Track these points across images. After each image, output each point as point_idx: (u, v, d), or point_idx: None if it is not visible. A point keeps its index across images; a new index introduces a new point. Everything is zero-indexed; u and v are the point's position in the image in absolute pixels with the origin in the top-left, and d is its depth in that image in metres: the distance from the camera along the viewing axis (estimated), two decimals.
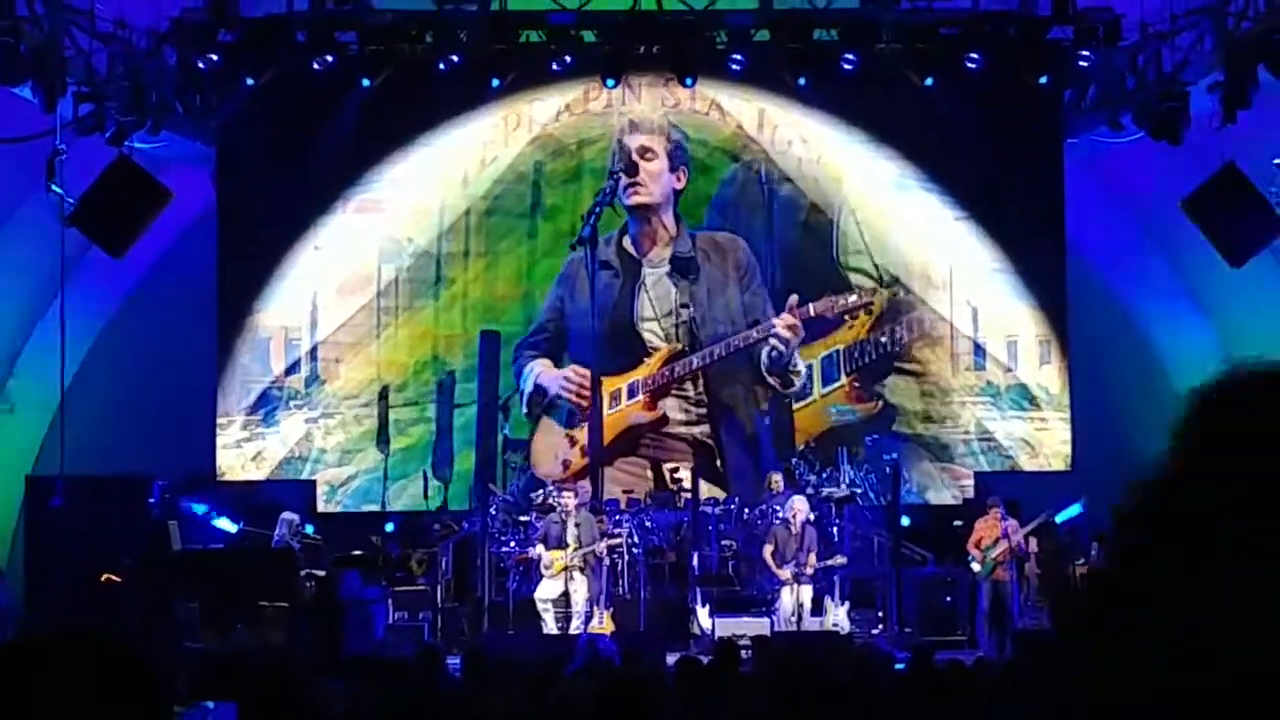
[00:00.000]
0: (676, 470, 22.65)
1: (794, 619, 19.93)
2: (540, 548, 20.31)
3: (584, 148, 23.80)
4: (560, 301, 23.31)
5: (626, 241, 23.38)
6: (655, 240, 23.43)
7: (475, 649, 12.85)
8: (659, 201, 23.39)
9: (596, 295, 21.55)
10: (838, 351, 23.40)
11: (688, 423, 23.29)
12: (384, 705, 5.41)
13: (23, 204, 21.06)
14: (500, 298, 23.72)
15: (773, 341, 22.79)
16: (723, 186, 23.72)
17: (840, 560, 20.62)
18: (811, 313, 22.74)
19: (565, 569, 20.08)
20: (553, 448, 23.14)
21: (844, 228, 23.76)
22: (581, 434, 22.81)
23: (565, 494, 20.68)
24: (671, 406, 23.26)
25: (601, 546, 20.31)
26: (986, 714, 7.94)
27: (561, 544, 20.25)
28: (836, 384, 23.41)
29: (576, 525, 20.34)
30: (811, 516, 20.80)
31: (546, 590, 20.06)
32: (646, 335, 23.29)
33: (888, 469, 22.46)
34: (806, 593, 20.16)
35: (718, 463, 23.12)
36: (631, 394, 23.13)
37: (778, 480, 21.89)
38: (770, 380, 23.09)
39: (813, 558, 20.25)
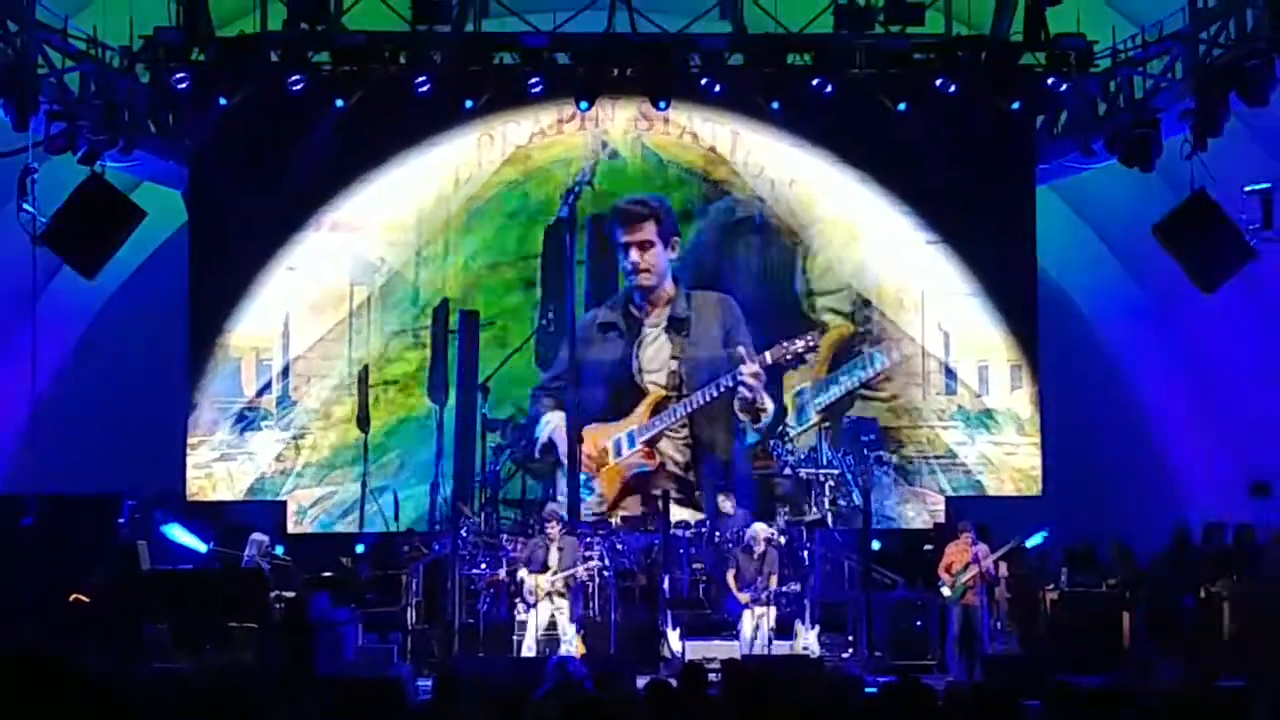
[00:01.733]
0: (660, 496, 22.74)
1: (755, 642, 19.97)
2: (523, 571, 20.35)
3: (558, 168, 23.82)
4: (575, 354, 23.58)
5: (632, 301, 23.82)
6: (656, 304, 23.84)
7: (447, 671, 12.83)
8: (659, 279, 23.75)
9: (571, 287, 23.42)
10: (805, 390, 23.77)
11: (679, 463, 23.66)
12: None
13: None
14: (496, 340, 23.79)
15: (741, 390, 23.13)
16: (699, 215, 23.87)
17: (797, 587, 20.64)
18: (769, 360, 23.08)
19: (548, 594, 20.16)
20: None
21: (816, 251, 23.82)
22: (597, 484, 23.57)
23: (551, 524, 20.73)
24: (665, 448, 23.65)
25: (581, 571, 20.36)
26: None
27: (544, 568, 20.30)
28: (810, 423, 23.70)
29: (560, 550, 20.40)
30: (782, 540, 20.88)
31: (540, 615, 20.11)
32: (647, 387, 23.70)
33: (859, 480, 22.53)
34: (769, 615, 20.19)
35: (696, 493, 23.52)
36: (630, 444, 23.50)
37: (726, 503, 22.09)
38: (743, 418, 23.40)
39: (773, 581, 20.31)
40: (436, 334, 23.74)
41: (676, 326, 23.71)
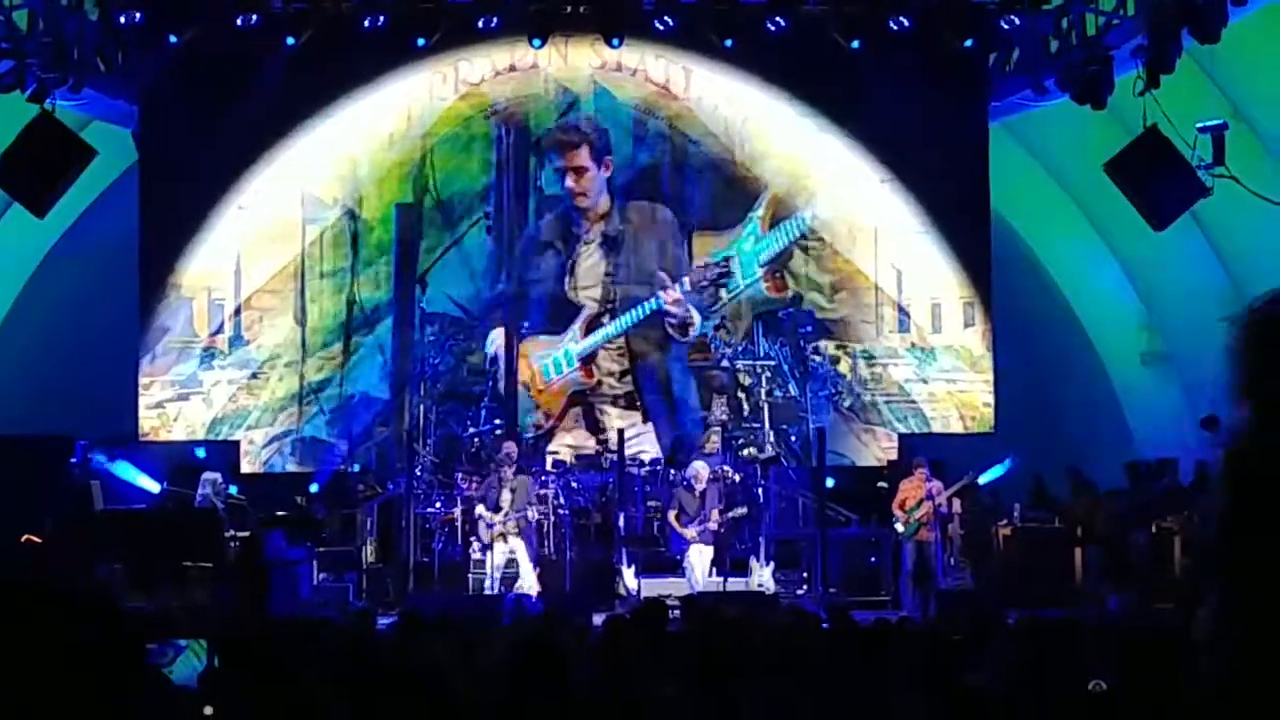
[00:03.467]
0: (604, 432, 22.79)
1: (711, 578, 20.08)
2: (480, 508, 20.41)
3: (511, 106, 23.77)
4: (519, 272, 23.78)
5: (570, 223, 23.89)
6: (592, 220, 23.86)
7: (410, 607, 12.86)
8: (595, 199, 23.82)
9: (532, 266, 23.72)
10: (750, 244, 23.96)
11: (615, 374, 23.83)
12: (320, 663, 5.43)
13: None
14: (436, 237, 23.74)
15: (669, 319, 23.50)
16: (639, 148, 23.91)
17: (741, 511, 20.71)
18: (687, 285, 23.43)
19: (502, 533, 20.22)
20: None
21: (768, 185, 23.86)
22: (541, 403, 23.71)
23: (505, 467, 20.75)
24: (602, 361, 23.85)
25: (533, 512, 20.41)
26: (910, 672, 7.99)
27: (497, 508, 20.35)
28: (754, 278, 23.89)
29: (512, 490, 20.44)
30: (736, 478, 21.01)
31: (496, 554, 20.19)
32: (582, 302, 23.79)
33: (811, 425, 22.63)
34: (708, 553, 20.32)
35: (637, 401, 23.78)
36: (569, 362, 23.68)
37: (714, 440, 22.35)
38: (674, 333, 23.68)
39: (715, 514, 20.40)
40: (400, 236, 23.79)
41: (610, 244, 23.81)
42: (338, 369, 23.62)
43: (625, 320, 23.60)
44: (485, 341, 23.70)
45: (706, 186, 23.90)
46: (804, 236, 23.85)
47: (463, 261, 23.78)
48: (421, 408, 22.78)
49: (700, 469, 20.81)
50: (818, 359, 23.66)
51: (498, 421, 23.00)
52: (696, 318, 23.53)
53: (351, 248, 23.70)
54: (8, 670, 2.35)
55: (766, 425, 23.09)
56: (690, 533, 20.39)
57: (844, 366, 23.82)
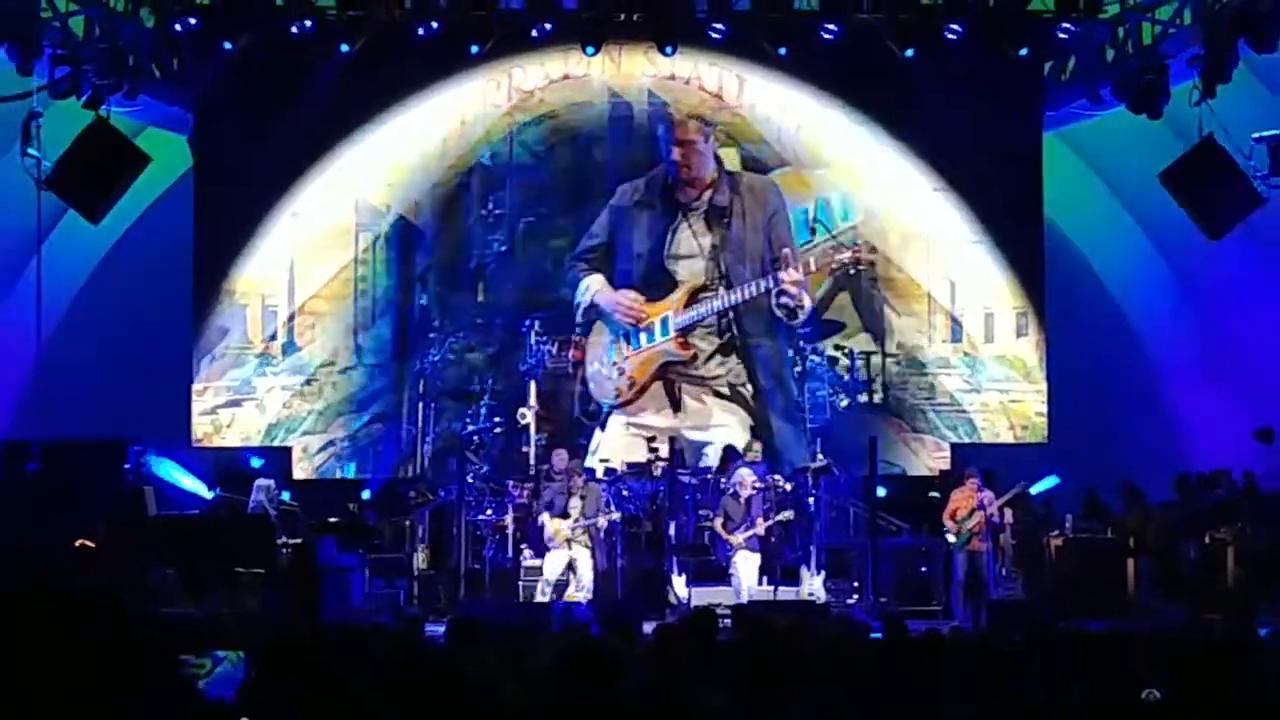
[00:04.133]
0: (654, 439, 22.69)
1: (764, 586, 20.02)
2: (545, 515, 20.38)
3: (563, 115, 23.77)
4: (612, 225, 23.62)
5: (670, 185, 23.62)
6: (697, 187, 23.61)
7: (461, 615, 12.85)
8: (702, 170, 23.58)
9: (635, 231, 23.56)
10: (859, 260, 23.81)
11: (709, 354, 23.66)
12: (370, 669, 5.43)
13: None
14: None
15: (785, 299, 23.13)
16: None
17: (788, 514, 20.62)
18: (813, 267, 23.11)
19: (567, 540, 20.19)
20: (603, 375, 23.65)
21: (823, 197, 23.81)
22: (626, 363, 23.48)
23: (575, 476, 20.74)
24: (697, 340, 23.63)
25: (602, 521, 20.38)
26: (960, 683, 7.96)
27: (565, 515, 20.32)
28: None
29: (581, 498, 20.41)
30: (787, 487, 20.96)
31: (553, 561, 20.22)
32: (679, 273, 23.57)
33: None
34: (754, 560, 20.24)
35: (752, 414, 23.63)
36: (664, 330, 23.46)
37: (757, 448, 22.28)
38: (780, 314, 23.30)
39: (761, 521, 20.32)
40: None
41: (717, 214, 23.56)
42: (391, 376, 23.64)
43: (735, 296, 23.29)
44: (577, 290, 23.61)
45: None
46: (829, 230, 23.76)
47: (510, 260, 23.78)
48: (420, 405, 22.78)
49: (745, 476, 20.75)
50: (816, 359, 23.56)
51: (497, 420, 22.93)
52: (807, 302, 23.27)
53: (405, 256, 23.73)
54: (8, 668, 2.36)
55: (805, 452, 22.92)
56: (736, 539, 20.32)
57: (891, 394, 23.70)
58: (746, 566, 20.21)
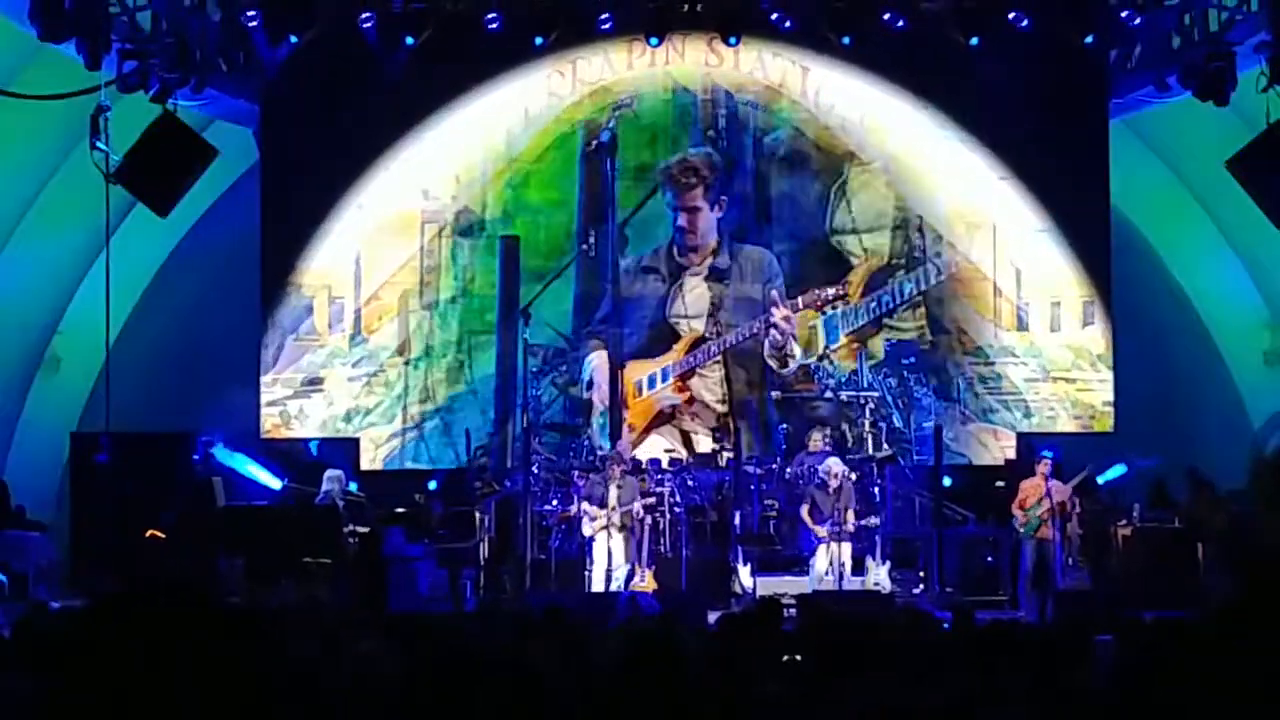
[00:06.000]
0: (718, 430, 22.79)
1: (830, 578, 20.04)
2: (586, 504, 20.51)
3: (628, 108, 23.80)
4: (615, 298, 23.79)
5: (675, 251, 23.85)
6: (700, 254, 23.88)
7: (526, 605, 12.92)
8: (705, 239, 23.83)
9: (612, 219, 23.63)
10: (836, 314, 23.75)
11: (710, 400, 23.80)
12: (430, 662, 5.45)
13: (67, 161, 21.16)
14: (545, 257, 23.80)
15: (773, 333, 23.21)
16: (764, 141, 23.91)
17: (875, 521, 20.69)
18: (800, 305, 23.18)
19: (605, 528, 20.28)
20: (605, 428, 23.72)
21: (891, 183, 23.78)
22: (627, 416, 23.59)
23: (613, 465, 20.88)
24: (698, 388, 23.76)
25: (638, 506, 20.45)
26: (1025, 673, 7.94)
27: (603, 504, 20.44)
28: (837, 344, 23.79)
29: (619, 487, 20.51)
30: (853, 476, 20.90)
31: (600, 550, 20.26)
32: (681, 328, 23.82)
33: (899, 402, 22.52)
34: (845, 551, 20.26)
35: (728, 429, 23.52)
36: (664, 378, 23.68)
37: (817, 439, 22.13)
38: (770, 363, 23.48)
39: (851, 516, 20.33)
40: (504, 267, 23.83)
41: (717, 275, 23.78)
42: (456, 368, 23.73)
43: (728, 339, 23.56)
44: (583, 366, 23.74)
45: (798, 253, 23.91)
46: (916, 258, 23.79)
47: (564, 288, 23.82)
48: (524, 438, 22.82)
49: (834, 465, 20.74)
50: (922, 390, 23.52)
51: (602, 450, 23.00)
52: (797, 350, 23.42)
53: (470, 249, 23.80)
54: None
55: (870, 448, 22.92)
56: (822, 531, 20.34)
57: (956, 387, 23.67)
58: (825, 559, 20.22)
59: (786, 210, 23.90)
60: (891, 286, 23.80)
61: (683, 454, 23.23)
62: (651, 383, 23.70)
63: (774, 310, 23.11)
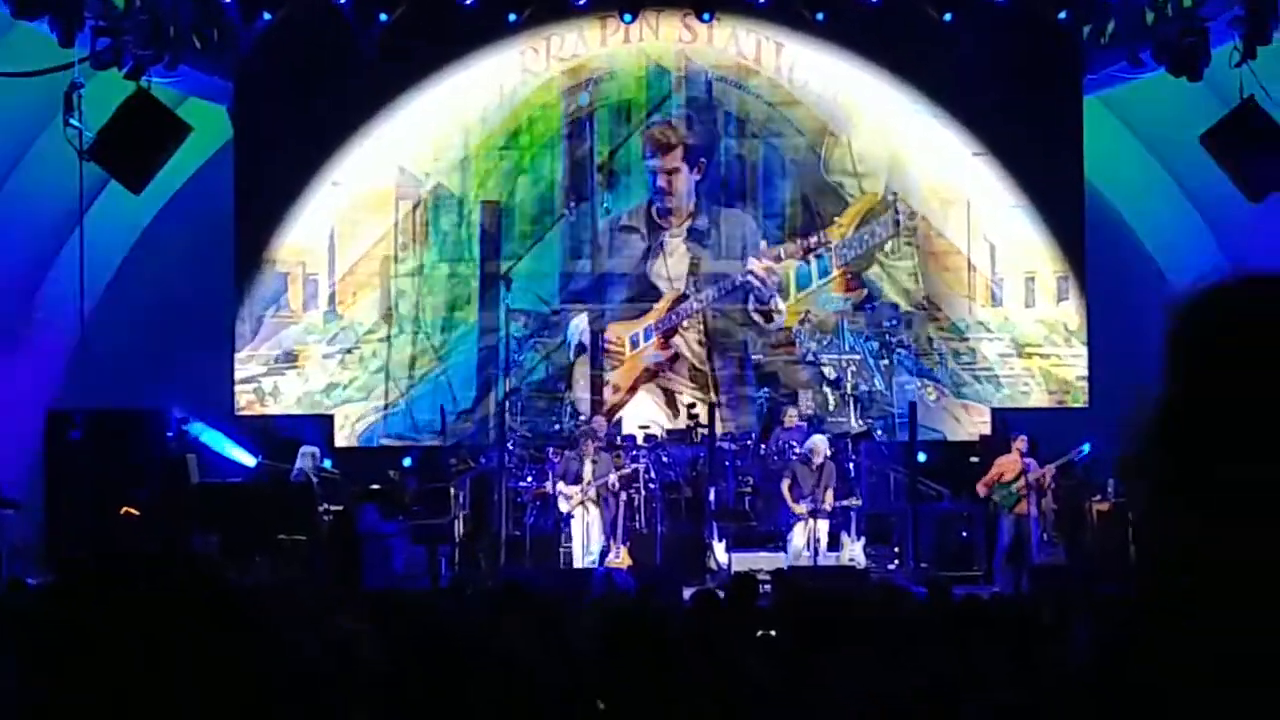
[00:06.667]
0: (693, 406, 22.84)
1: (808, 554, 20.07)
2: (560, 484, 20.52)
3: (603, 83, 23.80)
4: (590, 252, 23.92)
5: (654, 212, 23.89)
6: (679, 216, 23.93)
7: (502, 583, 12.92)
8: (684, 201, 23.93)
9: (615, 249, 23.89)
10: (828, 248, 23.84)
11: (695, 354, 23.91)
12: (405, 638, 5.45)
13: (41, 138, 21.08)
14: (521, 234, 23.81)
15: (754, 282, 23.41)
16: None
17: (856, 501, 20.75)
18: (781, 255, 23.39)
19: (580, 503, 20.32)
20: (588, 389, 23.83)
21: (859, 155, 23.81)
22: (613, 376, 23.76)
23: (586, 440, 20.92)
24: (679, 345, 23.89)
25: (613, 478, 20.49)
26: (1000, 648, 7.97)
27: (578, 480, 20.47)
28: (830, 277, 23.87)
29: (594, 463, 20.54)
30: (830, 452, 20.91)
31: (578, 527, 20.32)
32: (662, 287, 23.91)
33: (881, 365, 22.55)
34: (823, 528, 20.30)
35: (710, 386, 23.79)
36: (647, 337, 23.81)
37: (793, 415, 22.15)
38: (755, 317, 23.69)
39: (830, 494, 20.37)
40: (485, 233, 23.84)
41: (697, 237, 23.88)
42: (431, 345, 23.72)
43: (710, 294, 23.64)
44: (567, 329, 23.77)
45: (791, 188, 23.89)
46: (896, 226, 23.80)
47: (546, 253, 23.84)
48: (506, 404, 22.80)
49: (819, 443, 20.78)
50: (903, 351, 23.60)
51: (582, 416, 23.04)
52: (781, 304, 23.52)
53: (444, 223, 23.79)
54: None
55: (853, 419, 23.00)
56: (801, 508, 20.37)
57: (931, 360, 23.72)
58: (802, 536, 20.27)
59: (775, 164, 23.90)
60: (885, 219, 23.87)
61: (666, 415, 23.34)
62: (635, 342, 23.80)
63: (751, 261, 23.36)
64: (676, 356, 23.79)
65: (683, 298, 23.79)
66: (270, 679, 2.56)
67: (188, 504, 20.36)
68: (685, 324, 23.80)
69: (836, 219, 23.68)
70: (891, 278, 23.81)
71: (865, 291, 23.81)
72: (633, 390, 23.72)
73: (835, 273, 23.76)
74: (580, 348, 23.75)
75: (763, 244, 23.61)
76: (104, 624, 2.45)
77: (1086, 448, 21.67)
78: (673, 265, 23.85)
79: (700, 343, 23.80)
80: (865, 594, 11.79)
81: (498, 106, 23.79)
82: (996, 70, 22.92)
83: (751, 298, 23.58)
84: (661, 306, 23.79)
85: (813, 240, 23.38)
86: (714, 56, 23.81)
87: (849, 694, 5.88)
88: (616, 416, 23.34)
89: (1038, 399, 23.71)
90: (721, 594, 10.89)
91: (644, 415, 23.43)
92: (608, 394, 23.64)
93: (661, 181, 23.75)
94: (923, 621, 9.20)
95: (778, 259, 23.37)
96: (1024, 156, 23.57)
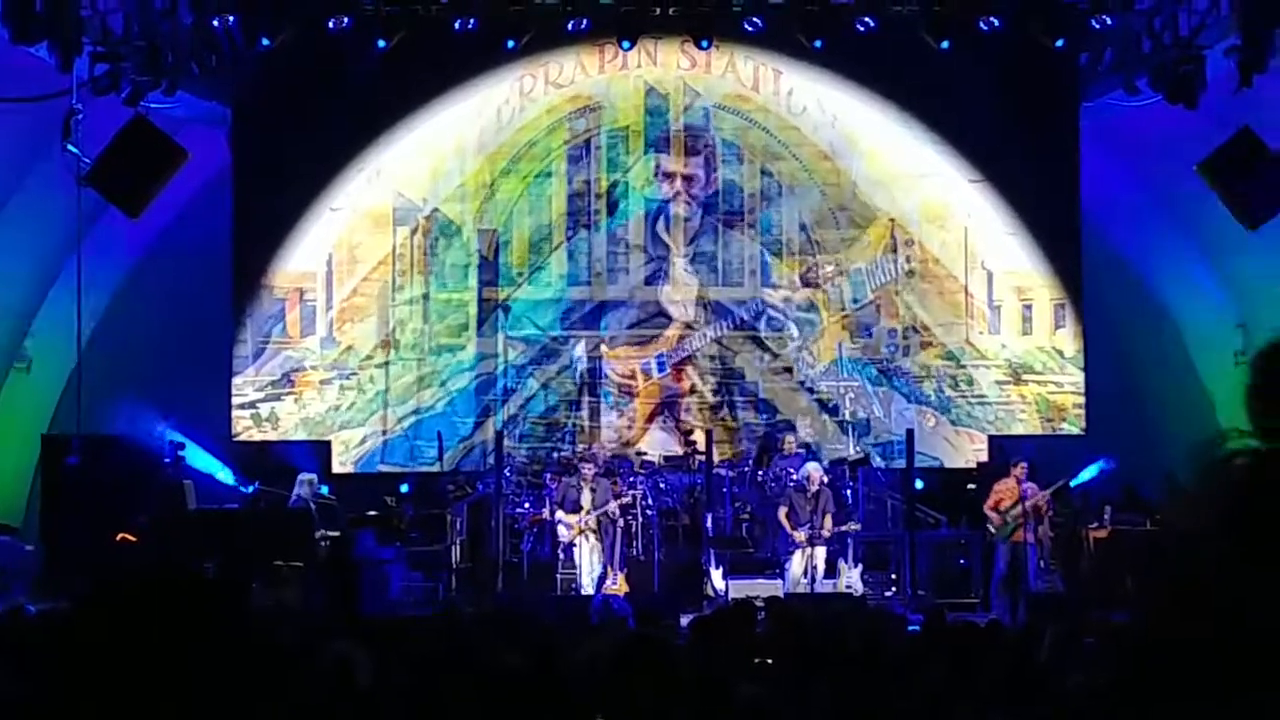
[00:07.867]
0: (691, 433, 22.83)
1: (805, 581, 20.05)
2: (560, 512, 20.49)
3: (602, 110, 23.84)
4: (590, 277, 23.91)
5: (660, 228, 23.92)
6: (686, 233, 23.92)
7: (496, 608, 12.93)
8: (693, 213, 23.94)
9: (630, 274, 23.96)
10: (862, 269, 23.91)
11: (707, 386, 23.92)
12: (403, 664, 5.46)
13: (39, 164, 21.08)
14: (519, 261, 23.83)
15: (769, 314, 23.52)
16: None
17: (854, 526, 20.73)
18: (798, 283, 23.45)
19: (581, 532, 20.29)
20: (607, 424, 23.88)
21: (858, 189, 23.84)
22: (628, 409, 23.81)
23: (586, 465, 20.91)
24: (692, 373, 23.92)
25: (613, 506, 20.46)
26: (997, 675, 7.98)
27: (577, 508, 20.43)
28: (866, 300, 23.92)
29: (592, 490, 20.52)
30: (826, 479, 20.90)
31: (581, 555, 20.32)
32: (672, 311, 23.87)
33: (878, 392, 22.55)
34: (820, 555, 20.27)
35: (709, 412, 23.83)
36: (660, 368, 23.77)
37: (791, 441, 22.15)
38: (769, 343, 23.70)
39: (828, 520, 20.35)
40: (483, 261, 23.85)
41: (699, 263, 23.88)
42: (429, 371, 23.72)
43: (724, 326, 23.64)
44: (571, 353, 23.78)
45: (789, 214, 23.92)
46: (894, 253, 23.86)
47: (545, 281, 23.85)
48: (503, 431, 22.77)
49: (813, 471, 20.74)
50: (901, 378, 23.63)
51: (583, 445, 23.06)
52: (795, 331, 23.55)
53: (443, 249, 23.80)
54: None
55: (850, 446, 23.03)
56: (800, 535, 20.34)
57: (929, 386, 23.74)
58: (801, 564, 20.24)
59: (774, 190, 23.92)
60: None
61: (680, 446, 23.26)
62: (646, 371, 23.81)
63: (767, 291, 23.21)
64: (692, 389, 23.80)
65: (692, 326, 23.78)
66: (272, 703, 2.56)
67: (185, 530, 20.33)
68: (696, 358, 23.82)
69: (854, 243, 23.74)
70: (889, 304, 23.83)
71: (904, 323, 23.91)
72: (649, 420, 23.73)
73: (871, 296, 23.81)
74: (591, 373, 23.78)
75: (781, 268, 23.56)
76: (119, 649, 2.46)
77: (1097, 468, 21.64)
78: (680, 292, 23.85)
79: (711, 375, 23.78)
80: (856, 622, 11.78)
81: (496, 133, 23.82)
82: (994, 98, 22.99)
83: (764, 326, 23.53)
84: (671, 335, 23.77)
85: (831, 268, 23.44)
86: (713, 84, 23.86)
87: (842, 718, 5.89)
88: (636, 447, 23.41)
89: (1034, 426, 23.71)
90: (720, 621, 10.89)
91: (659, 446, 23.46)
92: (621, 425, 23.63)
93: (678, 185, 23.76)
94: (916, 648, 9.20)
95: (795, 288, 23.44)
96: (1020, 183, 23.62)
